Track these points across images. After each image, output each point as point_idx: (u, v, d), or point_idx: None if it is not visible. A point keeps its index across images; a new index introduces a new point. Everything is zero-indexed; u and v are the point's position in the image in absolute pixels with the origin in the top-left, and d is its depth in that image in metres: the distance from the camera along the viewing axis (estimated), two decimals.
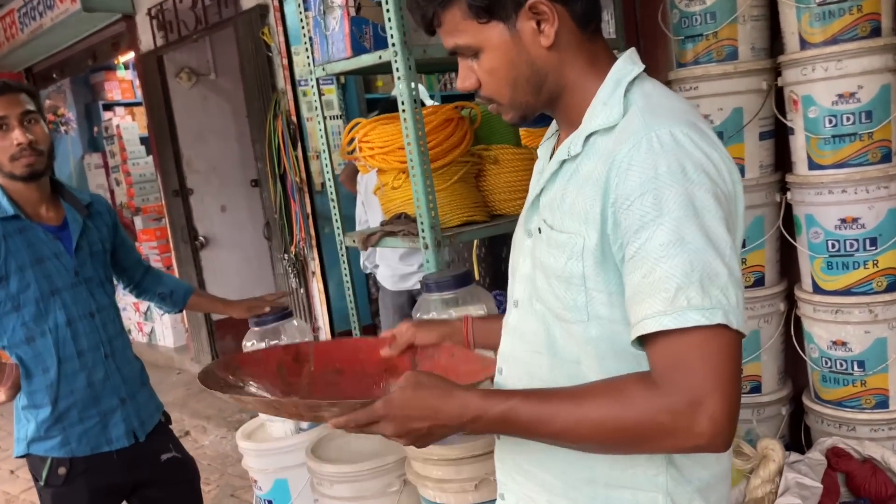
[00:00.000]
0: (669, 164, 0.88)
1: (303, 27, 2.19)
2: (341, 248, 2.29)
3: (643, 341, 0.89)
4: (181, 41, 5.12)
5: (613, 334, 0.96)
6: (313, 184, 4.49)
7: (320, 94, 2.28)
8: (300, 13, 2.18)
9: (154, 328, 6.38)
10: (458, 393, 0.97)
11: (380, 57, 1.96)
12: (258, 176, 4.72)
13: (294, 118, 4.41)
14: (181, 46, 5.25)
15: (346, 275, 2.33)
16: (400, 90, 1.91)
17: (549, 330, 1.02)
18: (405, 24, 1.90)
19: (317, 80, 2.19)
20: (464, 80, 1.04)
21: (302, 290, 4.64)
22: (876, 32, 2.09)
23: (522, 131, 2.57)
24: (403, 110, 1.93)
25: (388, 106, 3.36)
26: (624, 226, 0.89)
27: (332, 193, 2.33)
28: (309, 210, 4.48)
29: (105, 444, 1.90)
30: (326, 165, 2.32)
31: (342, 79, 4.65)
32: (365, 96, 4.77)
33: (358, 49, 2.03)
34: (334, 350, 1.41)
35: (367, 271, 3.85)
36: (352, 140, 2.22)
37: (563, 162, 1.01)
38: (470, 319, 1.35)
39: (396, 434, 0.98)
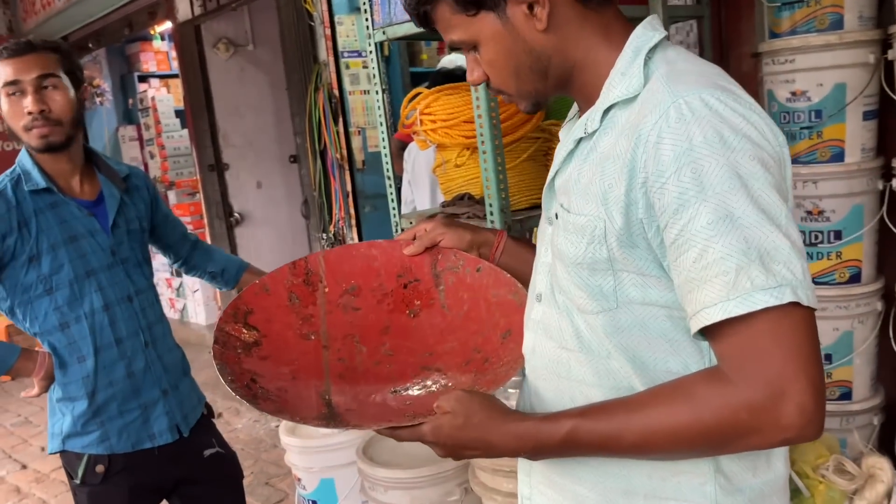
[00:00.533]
0: (705, 133, 0.80)
1: None
2: (397, 230, 2.11)
3: (705, 332, 0.82)
4: (219, 10, 4.95)
5: (647, 320, 0.90)
6: (354, 161, 4.31)
7: (379, 61, 2.08)
8: None
9: (186, 305, 6.28)
10: (511, 424, 0.92)
11: None
12: (297, 152, 4.55)
13: (336, 91, 4.22)
14: (219, 16, 5.08)
15: None
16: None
17: (574, 323, 0.96)
18: None
19: (376, 44, 2.00)
20: (471, 74, 1.00)
21: None
22: None
23: None
24: None
25: (440, 79, 3.15)
26: (659, 207, 0.82)
27: (388, 171, 2.13)
28: (349, 188, 4.31)
29: (147, 440, 1.74)
30: (384, 140, 2.13)
31: (387, 50, 4.44)
32: (409, 70, 4.56)
33: None
34: (346, 261, 1.26)
35: None
36: (410, 113, 2.02)
37: (580, 140, 0.94)
38: (505, 235, 1.25)
39: (446, 456, 0.97)
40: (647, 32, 0.93)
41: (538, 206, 1.98)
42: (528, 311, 1.08)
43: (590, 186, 0.90)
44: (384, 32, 1.94)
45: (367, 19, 1.98)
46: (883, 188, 2.16)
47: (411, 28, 1.86)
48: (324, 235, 4.43)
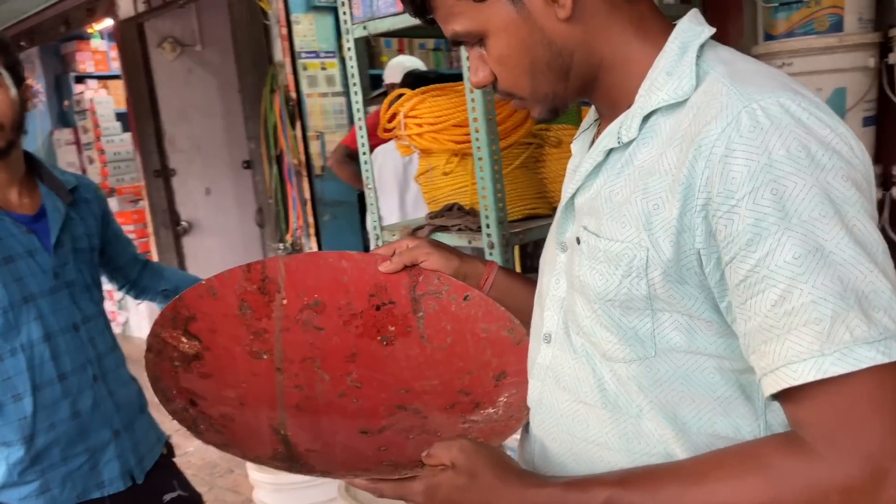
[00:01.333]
0: (788, 146, 0.66)
1: None
2: (377, 242, 1.93)
3: (782, 392, 0.67)
4: (165, 7, 4.68)
5: (691, 371, 0.75)
6: (312, 166, 4.10)
7: (359, 58, 1.89)
8: None
9: (129, 318, 5.95)
10: (530, 490, 0.75)
11: None
12: (250, 157, 4.31)
13: (293, 94, 4.00)
14: (165, 14, 4.81)
15: None
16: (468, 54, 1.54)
17: (597, 373, 0.80)
18: None
19: (355, 41, 1.81)
20: (475, 74, 0.84)
21: None
22: None
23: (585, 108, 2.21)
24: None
25: (411, 82, 2.98)
26: (726, 235, 0.67)
27: (367, 177, 1.95)
28: (308, 195, 4.09)
29: (96, 489, 1.51)
30: (363, 145, 1.94)
31: (343, 52, 4.24)
32: (369, 72, 4.37)
33: None
34: (310, 271, 1.08)
35: None
36: (393, 116, 1.84)
37: (610, 151, 0.79)
38: (496, 267, 1.09)
39: None
40: (694, 27, 0.78)
41: (534, 217, 1.83)
42: (532, 353, 0.92)
43: (627, 206, 0.75)
44: (365, 27, 1.76)
45: (344, 13, 1.80)
46: (882, 197, 2.09)
47: (396, 23, 1.69)
48: (280, 245, 4.20)
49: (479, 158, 1.60)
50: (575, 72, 0.80)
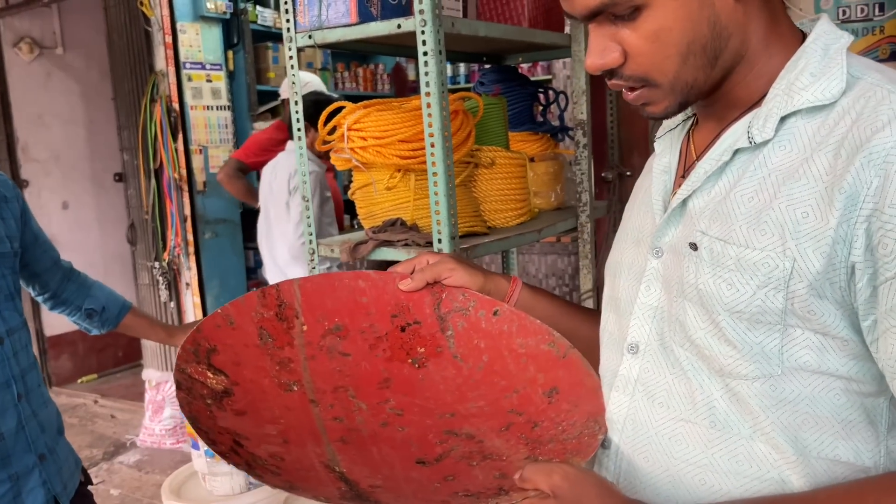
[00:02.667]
0: None
1: None
2: (313, 257, 1.88)
3: None
4: (25, 6, 4.33)
5: (818, 392, 0.71)
6: (195, 182, 3.92)
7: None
8: None
9: None
10: None
11: (399, 26, 1.60)
12: (124, 169, 4.04)
13: (176, 105, 3.82)
14: (22, 12, 4.44)
15: None
16: (427, 70, 1.56)
17: (706, 390, 0.76)
18: None
19: (298, 49, 1.78)
20: (602, 55, 0.75)
21: (173, 304, 4.02)
22: None
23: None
24: (428, 94, 1.58)
25: (311, 106, 2.94)
26: (889, 251, 0.64)
27: (305, 191, 1.90)
28: (188, 211, 3.91)
29: None
30: (302, 157, 1.89)
31: (231, 65, 4.11)
32: (256, 87, 4.25)
33: (365, 15, 1.66)
34: (327, 293, 1.03)
35: None
36: (333, 129, 1.82)
37: (737, 151, 0.75)
38: (520, 283, 1.04)
39: None
40: (835, 30, 0.75)
41: (476, 234, 1.87)
42: (609, 364, 0.87)
43: (766, 212, 0.70)
44: (310, 37, 1.73)
45: (287, 20, 1.76)
46: None
47: (346, 34, 1.68)
48: (156, 264, 3.96)
49: (434, 174, 1.61)
50: (723, 59, 0.74)
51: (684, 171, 0.84)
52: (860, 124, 0.68)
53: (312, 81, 3.62)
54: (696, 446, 0.77)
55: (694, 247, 0.76)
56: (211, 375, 0.90)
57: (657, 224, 0.83)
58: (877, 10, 1.99)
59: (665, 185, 0.85)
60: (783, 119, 0.73)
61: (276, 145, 3.49)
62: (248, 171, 3.63)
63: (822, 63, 0.73)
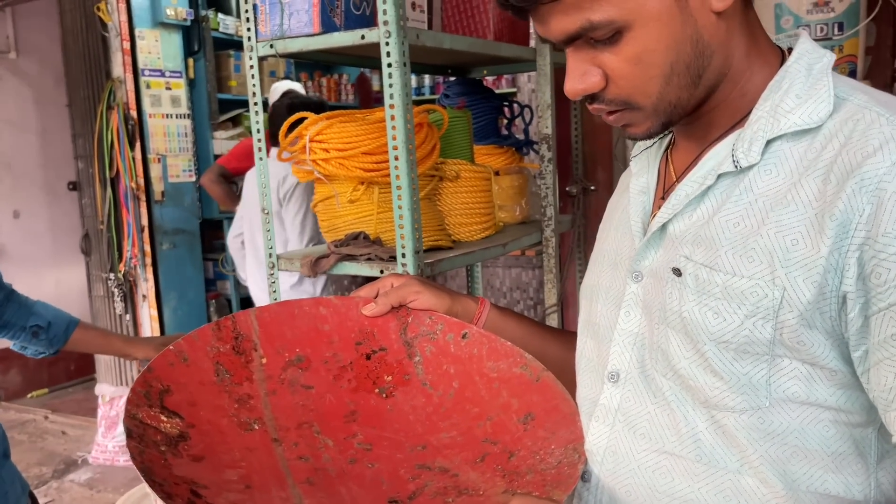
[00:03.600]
0: None
1: None
2: (273, 271, 1.83)
3: None
4: None
5: (807, 424, 0.69)
6: (152, 191, 3.84)
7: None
8: None
9: None
10: None
11: (362, 37, 1.57)
12: (78, 178, 3.93)
13: (134, 113, 3.74)
14: None
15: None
16: (391, 81, 1.54)
17: (690, 421, 0.73)
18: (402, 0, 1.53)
19: (259, 59, 1.73)
20: (582, 79, 0.72)
21: (128, 317, 3.92)
22: None
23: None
24: (392, 106, 1.55)
25: (292, 107, 2.89)
26: (887, 279, 0.61)
27: (265, 204, 1.85)
28: (145, 221, 3.81)
29: None
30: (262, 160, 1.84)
31: (191, 73, 4.04)
32: (217, 96, 4.18)
33: (328, 25, 1.62)
34: (286, 322, 0.98)
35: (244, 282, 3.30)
36: (296, 140, 1.78)
37: (720, 175, 0.73)
38: (488, 304, 1.01)
39: None
40: (817, 49, 0.73)
41: (440, 249, 1.84)
42: (587, 391, 0.85)
43: (754, 239, 0.68)
44: (272, 46, 1.69)
45: (248, 28, 1.72)
46: None
47: (309, 44, 1.64)
48: (111, 276, 3.85)
49: (398, 187, 1.58)
50: (706, 78, 0.72)
51: (664, 191, 0.82)
52: (850, 148, 0.65)
53: (294, 87, 3.56)
54: (681, 480, 0.74)
55: (678, 272, 0.73)
56: (164, 419, 0.84)
57: (636, 247, 0.80)
58: (836, 29, 2.03)
59: (644, 207, 0.82)
60: (768, 142, 0.71)
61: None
62: (231, 178, 3.57)
63: (807, 84, 0.71)
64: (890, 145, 0.63)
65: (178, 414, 0.85)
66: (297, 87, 3.49)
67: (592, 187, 2.59)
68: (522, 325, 1.00)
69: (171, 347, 0.90)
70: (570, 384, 0.89)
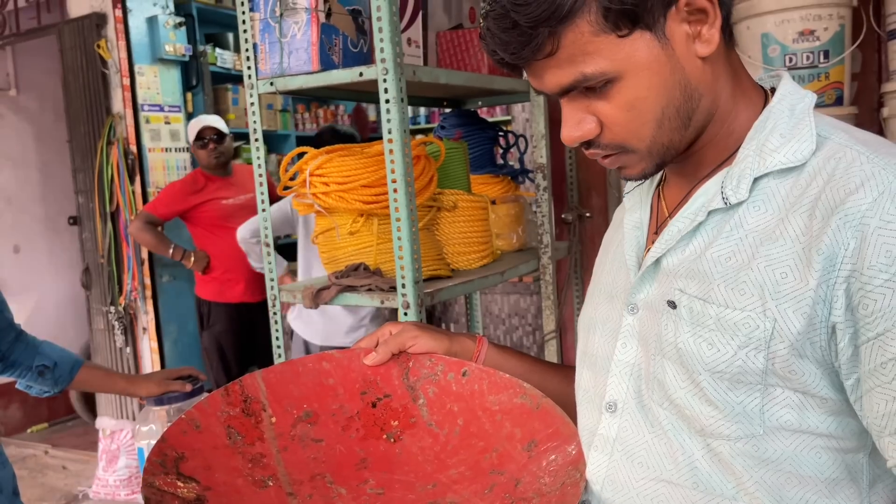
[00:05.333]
0: None
1: (244, 31, 1.77)
2: (274, 305, 1.85)
3: None
4: None
5: (800, 451, 0.71)
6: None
7: (260, 110, 1.84)
8: (242, 13, 1.76)
9: None
10: None
11: (360, 74, 1.61)
12: (79, 212, 3.97)
13: (133, 148, 3.78)
14: None
15: (277, 338, 1.88)
16: (389, 117, 1.58)
17: (686, 449, 0.76)
18: (399, 37, 1.58)
19: (258, 96, 1.78)
20: (578, 127, 0.75)
21: (129, 350, 3.92)
22: None
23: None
24: (390, 140, 1.59)
25: (329, 137, 2.93)
26: (871, 311, 0.64)
27: (266, 236, 1.88)
28: (145, 255, 3.84)
29: None
30: (263, 201, 1.88)
31: (190, 107, 4.09)
32: None
33: (327, 63, 1.67)
34: (292, 380, 1.01)
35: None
36: (295, 174, 1.82)
37: (711, 211, 0.76)
38: (486, 343, 1.03)
39: None
40: (798, 89, 0.77)
41: (439, 278, 1.87)
42: (586, 422, 0.87)
43: (745, 273, 0.71)
44: (272, 84, 1.74)
45: (248, 67, 1.76)
46: None
47: (308, 81, 1.68)
48: (112, 309, 3.87)
49: (398, 219, 1.62)
50: (695, 120, 0.75)
51: (657, 226, 0.85)
52: (833, 186, 0.68)
53: (209, 120, 3.47)
54: None
55: (672, 305, 0.75)
56: (181, 485, 0.86)
57: (632, 281, 0.82)
58: (822, 57, 2.07)
59: (638, 242, 0.85)
60: (756, 179, 0.74)
61: (190, 195, 3.41)
62: (159, 223, 3.47)
63: (790, 123, 0.74)
64: (871, 182, 0.66)
65: (195, 479, 0.87)
66: (215, 120, 3.48)
67: (588, 214, 2.62)
68: (521, 362, 1.02)
69: (184, 416, 0.92)
70: (570, 416, 0.92)
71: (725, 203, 0.74)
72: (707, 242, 0.75)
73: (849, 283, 0.65)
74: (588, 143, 0.77)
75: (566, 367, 1.04)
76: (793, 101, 0.76)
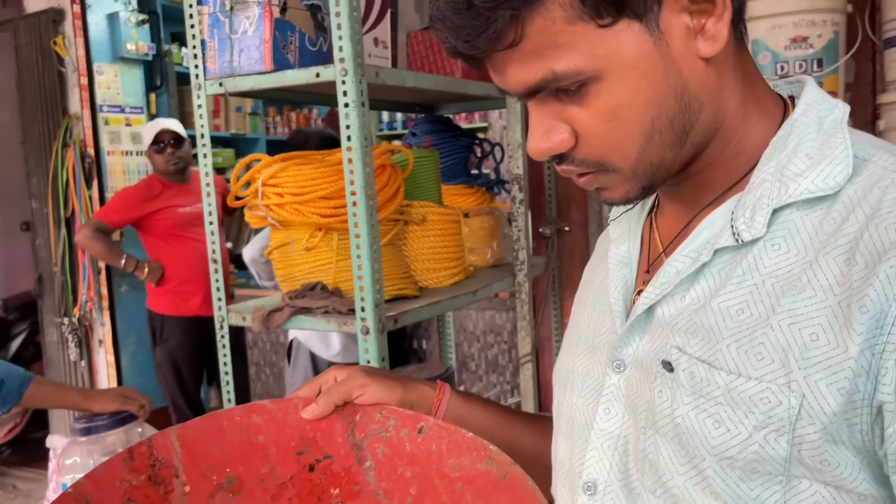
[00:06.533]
0: None
1: (191, 25, 1.61)
2: (222, 327, 1.69)
3: None
4: None
5: None
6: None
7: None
8: (190, 7, 1.60)
9: None
10: None
11: (317, 75, 1.46)
12: (32, 218, 3.76)
13: (91, 150, 3.59)
14: None
15: (224, 359, 1.71)
16: (348, 122, 1.42)
17: None
18: (360, 35, 1.43)
19: (207, 97, 1.61)
20: (547, 138, 0.60)
21: (84, 363, 3.72)
22: None
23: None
24: (349, 148, 1.43)
25: (321, 142, 2.74)
26: None
27: (214, 252, 1.71)
28: (101, 263, 3.64)
29: None
30: (211, 213, 1.71)
31: (153, 108, 3.91)
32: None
33: (281, 62, 1.51)
34: (213, 438, 0.83)
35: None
36: (248, 184, 1.66)
37: (718, 250, 0.61)
38: (447, 389, 0.86)
39: None
40: (827, 98, 0.62)
41: (404, 298, 1.72)
42: (561, 502, 0.72)
43: (763, 331, 0.56)
44: (221, 84, 1.58)
45: (196, 66, 1.60)
46: None
47: (260, 82, 1.53)
48: (65, 320, 3.66)
49: (357, 235, 1.46)
50: (694, 135, 0.60)
51: (648, 264, 0.70)
52: (879, 223, 0.53)
53: (168, 123, 3.30)
54: None
55: (669, 367, 0.60)
56: None
57: (618, 331, 0.67)
58: (815, 65, 1.96)
59: (626, 282, 0.70)
60: (775, 211, 0.59)
61: (144, 202, 3.22)
62: (110, 231, 3.28)
63: (819, 141, 0.59)
64: None
65: None
66: (173, 123, 3.31)
67: (567, 228, 2.49)
68: (489, 413, 0.86)
69: (71, 490, 0.74)
70: (545, 479, 0.76)
71: (737, 240, 0.59)
72: (713, 289, 0.60)
73: None
74: (560, 158, 0.62)
75: (543, 420, 0.88)
76: (820, 112, 0.61)
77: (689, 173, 0.64)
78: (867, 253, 0.53)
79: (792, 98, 0.65)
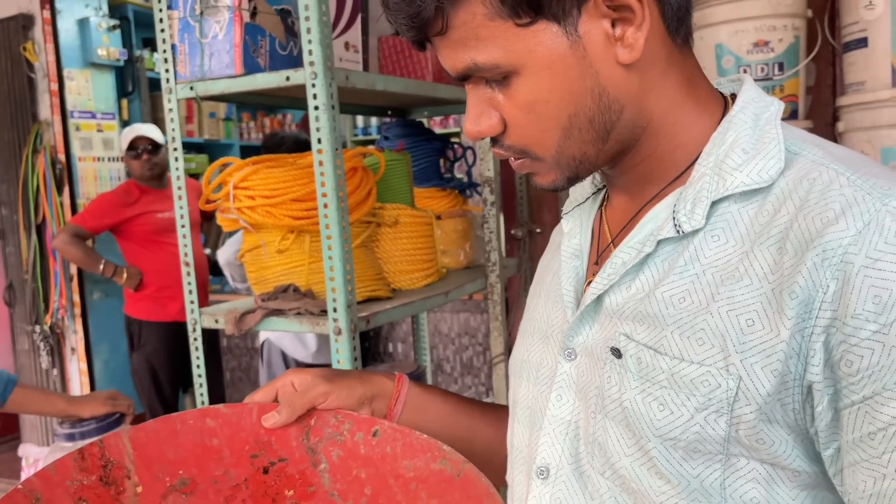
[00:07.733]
0: None
1: (161, 30, 1.61)
2: (194, 330, 1.69)
3: None
4: None
5: None
6: None
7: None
8: (159, 10, 1.61)
9: None
10: None
11: (287, 78, 1.47)
12: (3, 225, 3.72)
13: (62, 157, 3.57)
14: None
15: (197, 362, 1.71)
16: (318, 125, 1.44)
17: None
18: (329, 39, 1.44)
19: (177, 102, 1.62)
20: (478, 121, 0.65)
21: (56, 372, 3.69)
22: None
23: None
24: (320, 151, 1.45)
25: (289, 145, 2.75)
26: (860, 368, 0.52)
27: (186, 255, 1.72)
28: (74, 270, 3.61)
29: None
30: (182, 217, 1.72)
31: (125, 114, 3.89)
32: None
33: (252, 66, 1.52)
34: (166, 440, 0.84)
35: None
36: (219, 187, 1.66)
37: (661, 241, 0.64)
38: (406, 382, 0.88)
39: None
40: (763, 96, 0.65)
41: (378, 300, 1.73)
42: (518, 490, 0.74)
43: (703, 318, 0.59)
44: (192, 88, 1.58)
45: (167, 70, 1.61)
46: None
47: (231, 86, 1.54)
48: (37, 328, 3.63)
49: (328, 237, 1.48)
50: (617, 133, 0.63)
51: (598, 255, 0.73)
52: (807, 213, 0.56)
53: (144, 129, 3.30)
54: None
55: (617, 353, 0.63)
56: None
57: (569, 320, 0.70)
58: (776, 69, 2.01)
59: (577, 273, 0.73)
60: (714, 203, 0.62)
61: (122, 207, 3.20)
62: (87, 237, 3.24)
63: (754, 136, 0.62)
64: (854, 210, 0.54)
65: None
66: (149, 129, 3.30)
67: (538, 230, 2.52)
68: (448, 403, 0.88)
69: (20, 486, 0.74)
70: (503, 469, 0.78)
71: (678, 231, 0.62)
72: (657, 279, 0.63)
73: (828, 335, 0.53)
74: (493, 141, 0.66)
75: (501, 409, 0.90)
76: (756, 109, 0.64)
77: (627, 167, 0.68)
78: (796, 242, 0.55)
79: (733, 96, 0.68)
